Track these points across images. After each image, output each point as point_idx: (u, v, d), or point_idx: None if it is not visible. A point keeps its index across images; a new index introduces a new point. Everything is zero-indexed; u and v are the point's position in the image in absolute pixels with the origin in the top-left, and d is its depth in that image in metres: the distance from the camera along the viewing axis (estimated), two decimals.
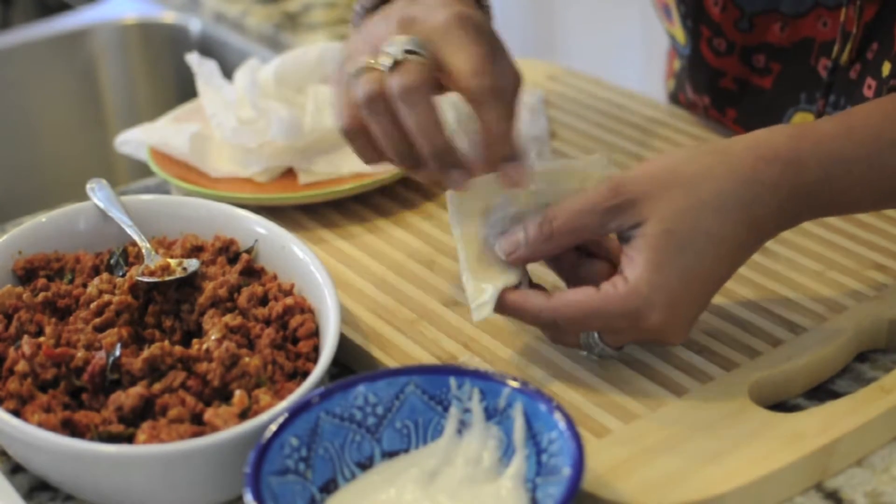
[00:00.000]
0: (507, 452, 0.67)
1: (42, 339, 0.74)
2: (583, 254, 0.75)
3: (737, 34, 0.98)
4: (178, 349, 0.73)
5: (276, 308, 0.77)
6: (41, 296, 0.79)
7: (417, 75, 0.71)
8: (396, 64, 0.72)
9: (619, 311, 0.70)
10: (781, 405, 0.75)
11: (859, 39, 0.88)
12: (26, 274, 0.82)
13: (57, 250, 0.84)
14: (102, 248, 0.85)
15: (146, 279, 0.79)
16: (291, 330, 0.77)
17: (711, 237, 0.70)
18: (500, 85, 0.72)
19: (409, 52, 0.72)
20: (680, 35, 1.04)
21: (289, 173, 1.00)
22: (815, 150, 0.72)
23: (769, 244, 0.87)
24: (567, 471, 0.62)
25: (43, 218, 0.85)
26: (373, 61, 0.73)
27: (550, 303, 0.72)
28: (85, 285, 0.81)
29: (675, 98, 1.15)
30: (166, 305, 0.79)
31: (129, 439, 0.69)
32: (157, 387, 0.71)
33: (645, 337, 0.72)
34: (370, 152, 0.76)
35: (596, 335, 0.73)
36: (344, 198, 0.95)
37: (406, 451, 0.69)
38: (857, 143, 0.73)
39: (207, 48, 1.49)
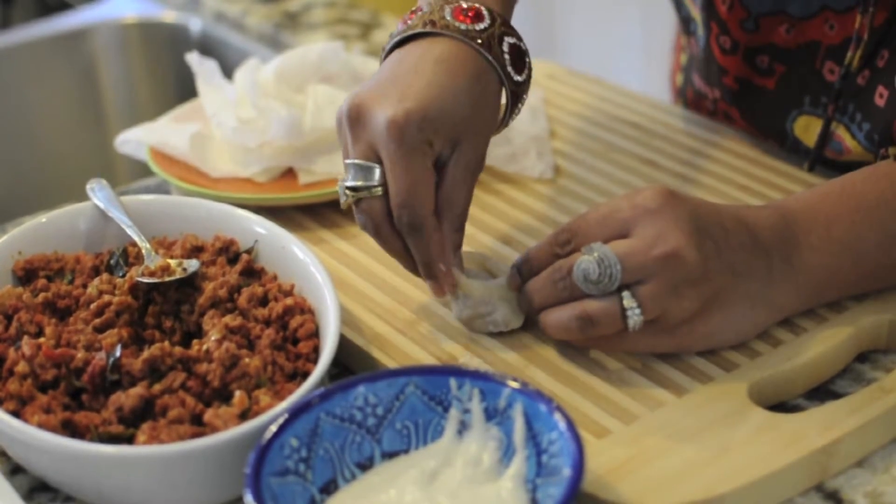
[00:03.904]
0: (507, 453, 0.67)
1: (42, 339, 0.74)
2: None
3: (742, 34, 0.97)
4: (178, 350, 0.73)
5: (277, 309, 0.77)
6: (41, 296, 0.79)
7: (366, 215, 0.77)
8: (356, 201, 0.77)
9: (622, 199, 0.74)
10: (781, 405, 0.75)
11: (867, 44, 0.88)
12: (26, 274, 0.82)
13: (57, 250, 0.84)
14: (102, 248, 0.85)
15: (146, 280, 0.79)
16: (291, 330, 0.76)
17: (705, 201, 0.76)
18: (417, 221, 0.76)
19: (353, 189, 0.76)
20: (700, 21, 1.04)
21: (289, 173, 1.00)
22: (794, 196, 0.80)
23: None
24: (567, 471, 0.62)
25: (43, 218, 0.85)
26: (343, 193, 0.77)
27: (567, 223, 0.76)
28: (85, 286, 0.80)
29: (683, 92, 1.14)
30: (166, 306, 0.79)
31: (129, 440, 0.69)
32: (157, 387, 0.71)
33: (652, 228, 0.72)
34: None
35: (629, 296, 0.72)
36: None
37: (406, 451, 0.69)
38: (828, 183, 0.80)
39: (207, 48, 1.49)
